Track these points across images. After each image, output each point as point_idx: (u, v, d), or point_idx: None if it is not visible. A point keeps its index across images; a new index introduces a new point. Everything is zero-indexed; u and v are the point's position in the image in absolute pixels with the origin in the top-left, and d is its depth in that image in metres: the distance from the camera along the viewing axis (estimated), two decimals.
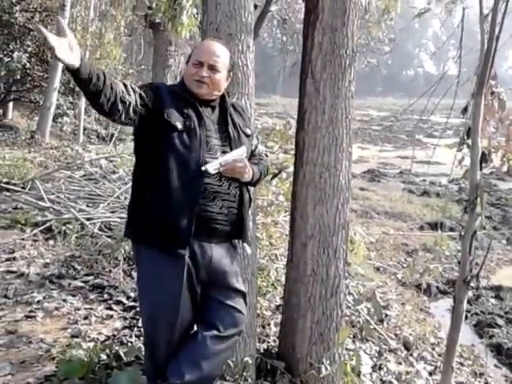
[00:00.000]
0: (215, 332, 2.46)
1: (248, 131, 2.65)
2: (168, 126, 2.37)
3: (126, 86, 2.32)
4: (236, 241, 2.66)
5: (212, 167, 2.36)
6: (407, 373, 3.98)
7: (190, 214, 2.36)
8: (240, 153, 2.47)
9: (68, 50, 2.03)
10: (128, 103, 2.28)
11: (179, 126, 2.38)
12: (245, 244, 2.70)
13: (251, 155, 2.70)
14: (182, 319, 2.43)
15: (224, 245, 2.55)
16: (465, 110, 2.98)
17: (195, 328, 2.53)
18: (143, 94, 2.37)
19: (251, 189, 2.72)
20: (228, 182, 2.47)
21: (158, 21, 8.36)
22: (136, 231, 2.51)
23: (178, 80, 2.70)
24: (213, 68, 2.48)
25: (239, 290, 2.60)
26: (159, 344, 2.45)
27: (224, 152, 2.48)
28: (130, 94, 2.30)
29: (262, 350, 3.60)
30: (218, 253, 2.50)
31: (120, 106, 2.25)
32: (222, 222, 2.47)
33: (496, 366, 4.79)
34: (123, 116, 2.29)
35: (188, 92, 2.50)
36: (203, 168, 2.35)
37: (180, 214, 2.35)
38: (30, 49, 13.57)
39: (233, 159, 2.41)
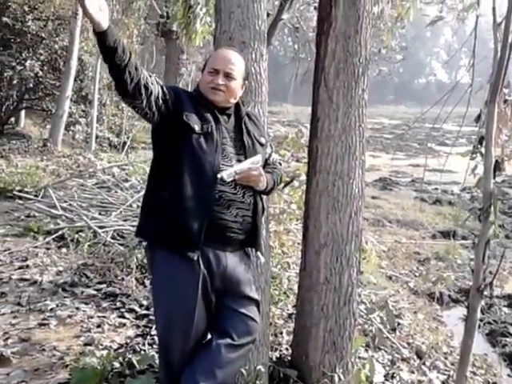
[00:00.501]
0: (229, 340, 2.46)
1: (262, 140, 2.67)
2: (186, 128, 2.40)
3: (150, 75, 2.36)
4: (249, 249, 2.67)
5: (227, 175, 2.39)
6: (420, 382, 3.95)
7: (203, 217, 2.37)
8: (255, 161, 2.49)
9: (97, 9, 2.05)
10: (150, 91, 2.32)
11: (197, 128, 2.41)
12: (258, 253, 2.70)
13: (265, 164, 2.71)
14: (196, 327, 2.43)
15: (238, 253, 2.56)
16: (478, 118, 2.98)
17: (209, 336, 2.53)
18: (165, 89, 2.41)
19: (264, 197, 2.74)
20: (242, 191, 2.48)
21: (171, 29, 8.41)
22: (150, 232, 2.51)
23: (190, 88, 2.73)
24: (228, 76, 2.51)
25: (253, 298, 2.61)
26: (173, 352, 2.45)
27: (239, 160, 2.50)
28: (153, 83, 2.34)
29: (274, 359, 3.59)
30: (232, 261, 2.51)
31: (143, 91, 2.28)
32: (236, 231, 2.48)
33: (509, 375, 4.74)
34: (144, 102, 2.31)
35: (205, 99, 2.53)
36: (219, 175, 2.37)
37: (192, 217, 2.36)
38: (42, 57, 13.64)
39: (248, 167, 2.44)
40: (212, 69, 2.52)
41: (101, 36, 2.10)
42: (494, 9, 2.86)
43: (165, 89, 2.42)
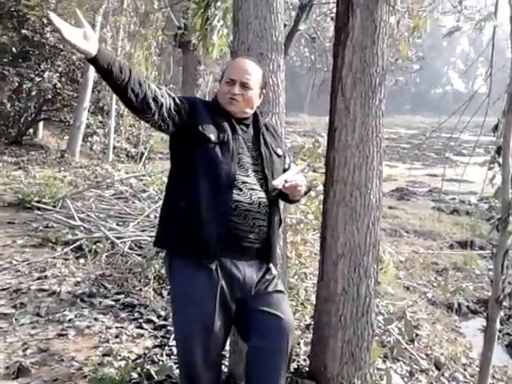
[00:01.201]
0: (267, 344, 2.42)
1: (279, 152, 2.67)
2: (202, 138, 2.41)
3: (160, 88, 2.39)
4: (263, 260, 2.67)
5: (278, 183, 2.44)
6: None
7: (219, 227, 2.37)
8: (297, 171, 2.56)
9: (82, 37, 2.09)
10: (161, 104, 2.34)
11: (213, 138, 2.42)
12: (271, 265, 2.67)
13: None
14: (215, 336, 2.41)
15: (254, 262, 2.55)
16: (495, 128, 2.97)
17: (248, 344, 2.50)
18: (178, 101, 2.44)
19: (281, 208, 2.74)
20: (258, 201, 2.48)
21: (189, 40, 8.48)
22: (167, 242, 2.53)
23: (208, 98, 2.76)
24: (245, 86, 2.52)
25: (277, 290, 2.57)
26: (193, 361, 2.42)
27: (255, 171, 2.51)
28: (163, 96, 2.37)
29: (292, 370, 3.58)
30: (249, 270, 2.51)
31: (152, 104, 2.31)
32: (253, 240, 2.48)
33: None
34: (156, 115, 2.35)
35: (222, 109, 2.55)
36: (274, 183, 2.44)
37: (209, 227, 2.36)
38: (60, 68, 13.83)
39: (294, 177, 2.49)
40: (229, 79, 2.53)
41: (92, 62, 2.15)
42: (511, 18, 2.85)
43: (177, 100, 2.44)
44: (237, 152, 2.46)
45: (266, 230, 2.53)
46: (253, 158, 2.54)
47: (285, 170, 2.72)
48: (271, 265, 2.64)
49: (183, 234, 2.41)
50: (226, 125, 2.49)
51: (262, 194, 2.50)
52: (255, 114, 2.65)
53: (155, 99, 2.32)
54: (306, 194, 2.84)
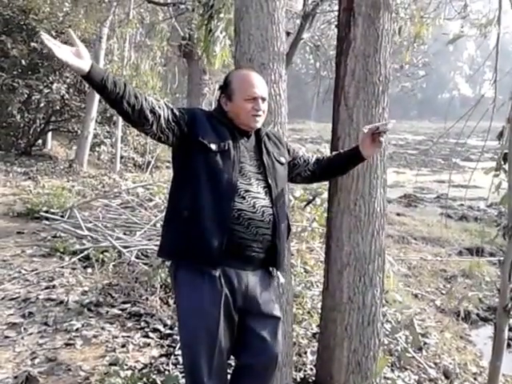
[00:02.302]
0: (251, 365, 2.49)
1: (282, 160, 2.68)
2: (203, 148, 2.42)
3: (158, 100, 2.41)
4: (270, 268, 2.66)
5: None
6: None
7: (221, 235, 2.36)
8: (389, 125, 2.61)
9: (74, 55, 2.15)
10: (158, 115, 2.36)
11: (214, 147, 2.42)
12: (278, 272, 2.67)
13: (307, 163, 2.82)
14: (220, 345, 2.41)
15: (259, 272, 2.55)
16: (500, 134, 2.95)
17: (238, 360, 2.56)
18: (176, 112, 2.45)
19: (289, 215, 2.74)
20: (262, 209, 2.47)
21: (193, 50, 8.53)
22: (171, 251, 2.53)
23: (213, 107, 2.76)
24: (264, 100, 2.57)
25: (274, 316, 2.59)
26: (199, 370, 2.41)
27: (258, 180, 2.51)
28: (161, 107, 2.39)
29: (298, 379, 3.57)
30: (253, 280, 2.51)
31: (150, 117, 2.33)
32: (256, 249, 2.48)
33: None
34: (154, 127, 2.37)
35: (227, 119, 2.56)
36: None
37: (211, 235, 2.36)
38: (68, 80, 13.96)
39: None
40: (251, 96, 2.53)
41: (86, 78, 2.18)
42: None
43: (176, 111, 2.45)
44: (238, 160, 2.46)
45: (270, 239, 2.52)
46: (255, 167, 2.54)
47: (293, 160, 2.80)
48: (279, 272, 2.64)
49: (186, 243, 2.41)
50: (227, 134, 2.50)
51: (266, 203, 2.50)
52: None
53: (152, 111, 2.34)
54: (310, 202, 2.85)
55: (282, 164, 2.67)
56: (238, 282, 2.45)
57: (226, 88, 2.60)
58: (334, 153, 2.96)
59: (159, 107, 2.38)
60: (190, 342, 2.45)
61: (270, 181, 2.54)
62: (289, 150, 2.80)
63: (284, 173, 2.68)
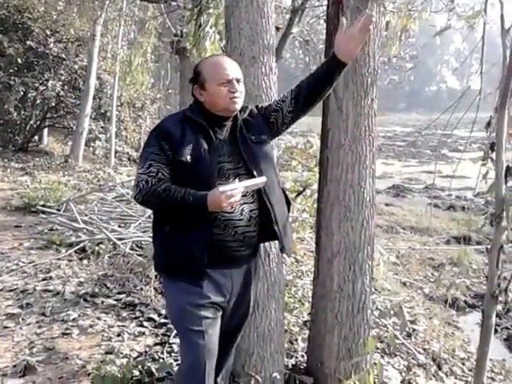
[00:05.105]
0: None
1: (263, 137, 2.55)
2: (179, 163, 2.35)
3: (162, 171, 2.36)
4: (258, 260, 2.66)
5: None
6: None
7: (202, 243, 2.32)
8: (259, 181, 2.35)
9: None
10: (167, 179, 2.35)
11: (189, 159, 2.34)
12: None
13: (282, 104, 2.60)
14: (214, 344, 2.45)
15: (244, 268, 2.53)
16: (488, 124, 2.93)
17: None
18: (164, 161, 2.37)
19: (285, 191, 2.71)
20: (241, 208, 2.38)
21: (185, 46, 8.47)
22: (159, 265, 2.55)
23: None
24: (239, 81, 2.45)
25: (242, 324, 2.69)
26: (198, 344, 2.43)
27: (238, 175, 2.40)
28: (164, 175, 2.35)
29: (290, 366, 3.56)
30: (237, 277, 2.50)
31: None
32: (237, 248, 2.42)
33: None
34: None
35: (203, 115, 2.46)
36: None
37: (193, 246, 2.33)
38: (63, 77, 14.00)
39: (248, 185, 2.30)
40: (224, 80, 2.41)
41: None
42: (502, 15, 2.81)
43: (163, 161, 2.36)
44: (216, 164, 2.38)
45: (253, 235, 2.46)
46: (234, 163, 2.44)
47: (267, 108, 2.64)
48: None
49: (171, 257, 2.40)
50: (201, 138, 2.40)
51: (247, 199, 2.40)
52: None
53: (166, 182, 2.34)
54: (300, 193, 2.78)
55: (263, 142, 2.54)
56: (222, 281, 2.44)
57: (197, 78, 2.48)
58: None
59: (163, 176, 2.35)
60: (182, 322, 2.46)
61: (254, 172, 2.42)
62: (263, 116, 2.61)
63: (268, 150, 2.56)
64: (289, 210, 2.67)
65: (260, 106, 2.68)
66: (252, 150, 2.48)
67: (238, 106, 2.46)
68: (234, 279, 2.48)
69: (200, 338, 2.38)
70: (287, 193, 2.80)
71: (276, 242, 2.67)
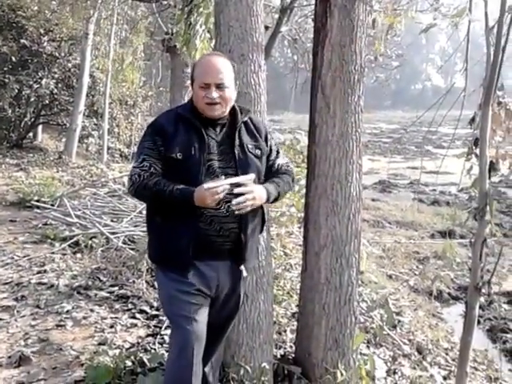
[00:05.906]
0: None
1: (258, 152, 2.52)
2: (170, 159, 2.37)
3: (153, 173, 2.38)
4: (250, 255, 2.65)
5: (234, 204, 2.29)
6: (421, 377, 3.90)
7: (189, 236, 2.35)
8: (245, 179, 2.33)
9: None
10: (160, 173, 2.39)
11: (179, 156, 2.36)
12: (242, 267, 2.56)
13: (269, 172, 2.60)
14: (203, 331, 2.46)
15: (229, 263, 2.53)
16: (472, 120, 2.94)
17: None
18: (157, 156, 2.40)
19: (265, 209, 2.65)
20: (227, 205, 2.36)
21: (175, 45, 8.44)
22: (151, 255, 2.61)
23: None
24: (220, 86, 2.38)
25: (232, 317, 2.71)
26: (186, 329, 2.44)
27: (227, 174, 2.38)
28: (156, 169, 2.38)
29: (279, 356, 3.57)
30: (223, 270, 2.51)
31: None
32: (222, 243, 2.43)
33: (510, 370, 4.66)
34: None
35: (195, 114, 2.44)
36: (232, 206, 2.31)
37: (180, 238, 2.36)
38: (56, 75, 13.99)
39: (232, 182, 2.28)
40: (203, 83, 2.38)
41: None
42: (486, 14, 2.81)
43: (156, 157, 2.39)
44: (205, 161, 2.37)
45: (238, 232, 2.45)
46: (225, 162, 2.43)
47: (270, 168, 2.61)
48: (243, 267, 2.57)
49: (162, 248, 2.45)
50: (193, 135, 2.39)
51: (234, 197, 2.33)
52: (234, 111, 2.52)
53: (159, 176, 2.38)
54: (274, 201, 2.65)
55: (257, 157, 2.52)
56: (210, 272, 2.45)
57: (191, 76, 2.50)
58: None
59: (155, 170, 2.38)
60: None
61: (239, 172, 2.40)
62: (270, 149, 2.63)
63: (259, 165, 2.52)
64: (262, 229, 2.65)
65: (272, 142, 2.68)
66: (246, 155, 2.48)
67: (217, 113, 2.42)
68: (221, 272, 2.49)
69: (188, 324, 2.39)
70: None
71: (264, 234, 2.67)
